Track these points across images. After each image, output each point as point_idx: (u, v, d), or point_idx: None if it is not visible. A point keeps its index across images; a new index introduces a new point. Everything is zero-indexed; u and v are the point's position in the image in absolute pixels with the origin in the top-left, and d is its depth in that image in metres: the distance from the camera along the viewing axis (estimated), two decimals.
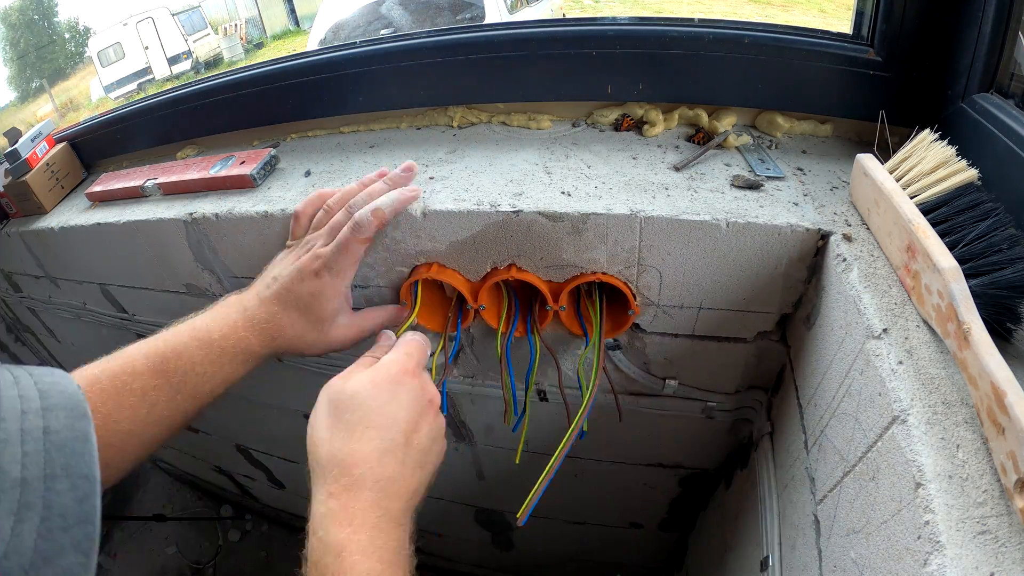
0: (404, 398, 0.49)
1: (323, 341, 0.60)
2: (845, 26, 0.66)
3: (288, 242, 0.67)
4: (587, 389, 0.67)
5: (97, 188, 0.91)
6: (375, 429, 0.47)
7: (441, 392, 0.77)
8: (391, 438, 0.47)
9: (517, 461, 0.76)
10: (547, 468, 0.61)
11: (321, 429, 0.47)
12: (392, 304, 0.69)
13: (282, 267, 0.61)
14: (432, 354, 0.76)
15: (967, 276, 0.42)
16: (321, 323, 0.59)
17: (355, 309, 0.67)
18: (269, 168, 0.80)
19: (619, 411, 0.74)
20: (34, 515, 0.28)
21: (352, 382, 0.49)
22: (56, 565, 0.27)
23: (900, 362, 0.43)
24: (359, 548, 0.41)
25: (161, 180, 0.84)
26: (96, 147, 1.04)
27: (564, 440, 0.64)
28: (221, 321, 0.57)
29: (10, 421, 0.30)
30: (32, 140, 0.98)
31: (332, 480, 0.44)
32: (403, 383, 0.50)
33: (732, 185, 0.62)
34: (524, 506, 0.59)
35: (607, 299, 0.70)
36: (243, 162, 0.80)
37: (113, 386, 0.51)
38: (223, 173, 0.79)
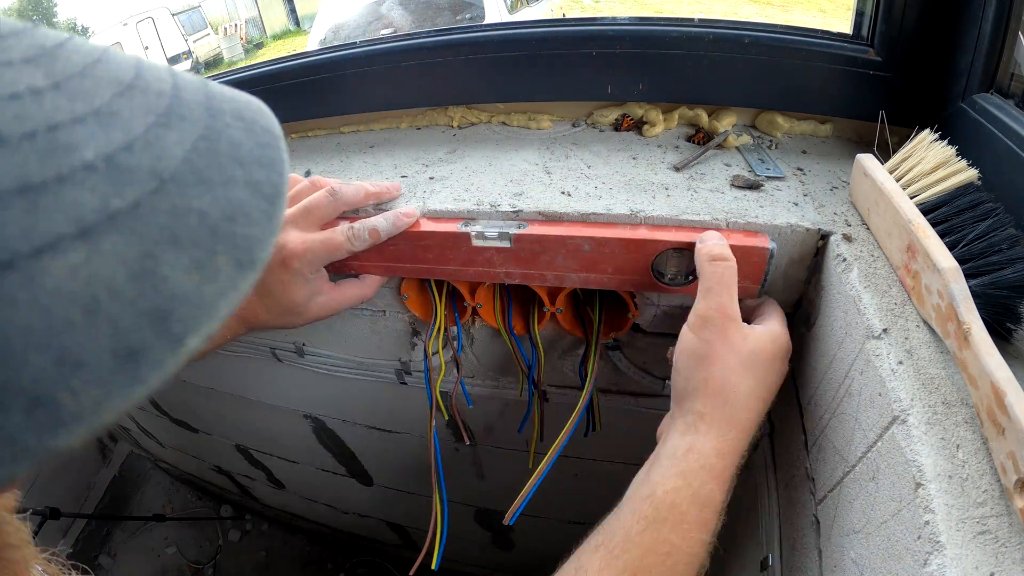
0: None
1: (300, 322, 0.60)
2: (845, 26, 0.66)
3: None
4: (584, 390, 0.67)
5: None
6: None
7: (463, 391, 0.78)
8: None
9: (531, 465, 0.75)
10: (538, 469, 0.61)
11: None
12: (375, 277, 0.67)
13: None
14: (435, 352, 0.76)
15: (967, 276, 0.42)
16: (294, 311, 0.58)
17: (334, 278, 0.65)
18: None
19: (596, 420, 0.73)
20: (189, 128, 0.20)
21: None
22: (217, 194, 0.19)
23: (900, 362, 0.43)
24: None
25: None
26: None
27: (556, 442, 0.64)
28: None
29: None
30: None
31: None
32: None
33: (732, 185, 0.62)
34: (513, 507, 0.60)
35: (607, 299, 0.70)
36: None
37: None
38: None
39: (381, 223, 0.58)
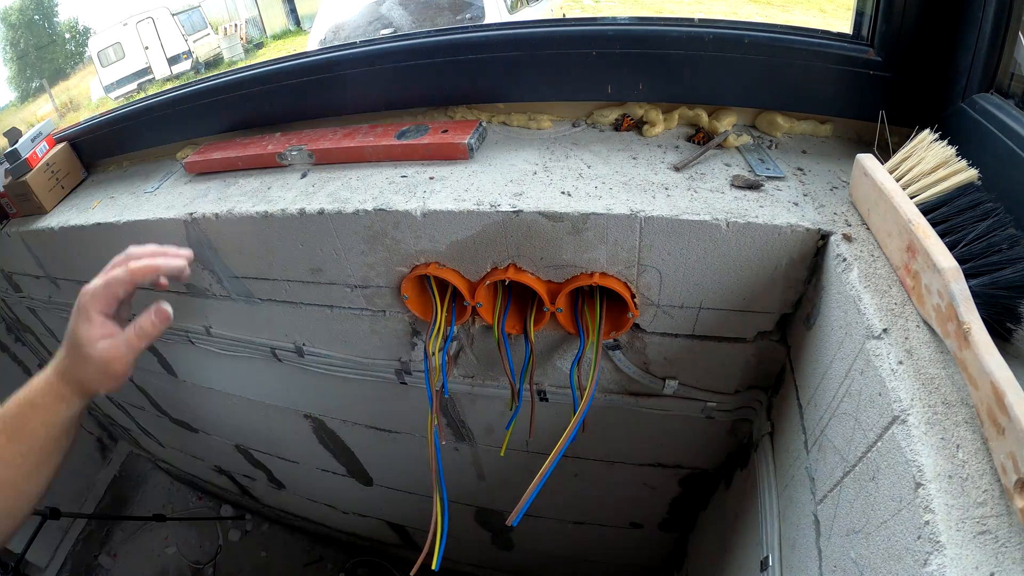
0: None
1: (101, 367, 0.62)
2: (845, 26, 0.66)
3: None
4: (585, 390, 0.67)
5: (198, 158, 0.85)
6: None
7: (443, 392, 0.78)
8: None
9: (502, 454, 0.78)
10: (540, 471, 0.61)
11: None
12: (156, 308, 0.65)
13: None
14: (433, 353, 0.76)
15: (967, 276, 0.42)
16: (87, 349, 0.61)
17: None
18: (481, 138, 0.74)
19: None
20: None
21: None
22: None
23: (900, 362, 0.43)
24: None
25: (318, 146, 0.76)
26: (96, 147, 1.04)
27: (559, 443, 0.64)
28: (43, 381, 0.63)
29: None
30: (32, 140, 0.97)
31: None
32: None
33: (732, 185, 0.62)
34: (516, 508, 0.60)
35: (607, 299, 0.70)
36: (445, 131, 0.73)
37: None
38: (427, 141, 0.72)
39: (146, 262, 0.62)
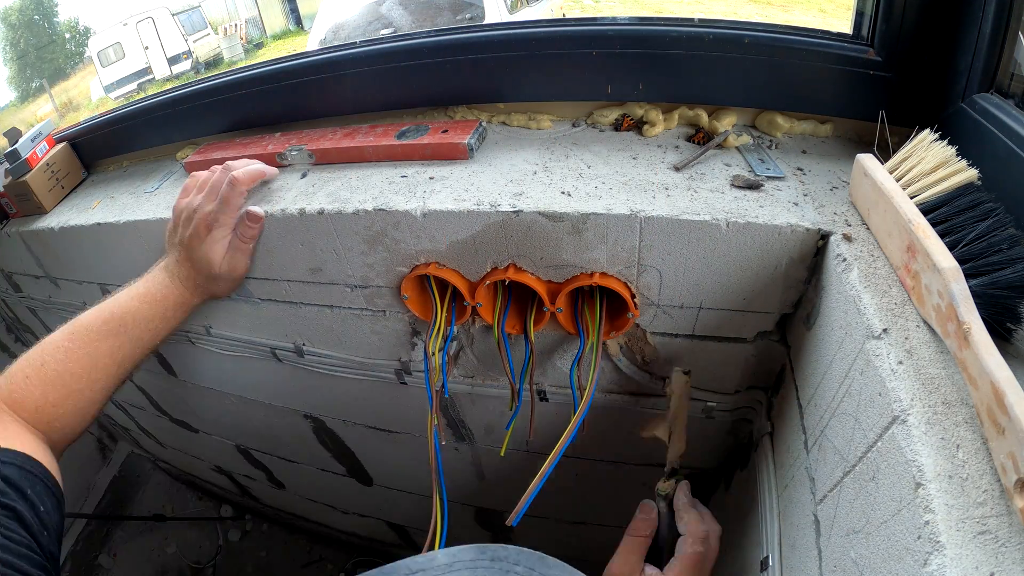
0: None
1: (228, 278, 0.75)
2: (845, 26, 0.66)
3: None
4: (585, 390, 0.67)
5: (198, 158, 0.86)
6: None
7: (443, 392, 0.78)
8: None
9: (502, 454, 0.78)
10: (540, 471, 0.61)
11: None
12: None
13: (182, 231, 0.72)
14: (433, 353, 0.77)
15: (967, 276, 0.42)
16: (216, 269, 0.73)
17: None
18: (482, 138, 0.75)
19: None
20: None
21: None
22: None
23: (900, 362, 0.43)
24: None
25: (318, 146, 0.78)
26: (96, 147, 1.04)
27: (559, 443, 0.64)
28: (158, 284, 0.73)
29: None
30: (32, 140, 0.98)
31: None
32: None
33: (732, 185, 0.62)
34: (516, 508, 0.60)
35: (607, 299, 0.70)
36: (445, 131, 0.74)
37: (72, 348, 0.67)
38: (427, 141, 0.73)
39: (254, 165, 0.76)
